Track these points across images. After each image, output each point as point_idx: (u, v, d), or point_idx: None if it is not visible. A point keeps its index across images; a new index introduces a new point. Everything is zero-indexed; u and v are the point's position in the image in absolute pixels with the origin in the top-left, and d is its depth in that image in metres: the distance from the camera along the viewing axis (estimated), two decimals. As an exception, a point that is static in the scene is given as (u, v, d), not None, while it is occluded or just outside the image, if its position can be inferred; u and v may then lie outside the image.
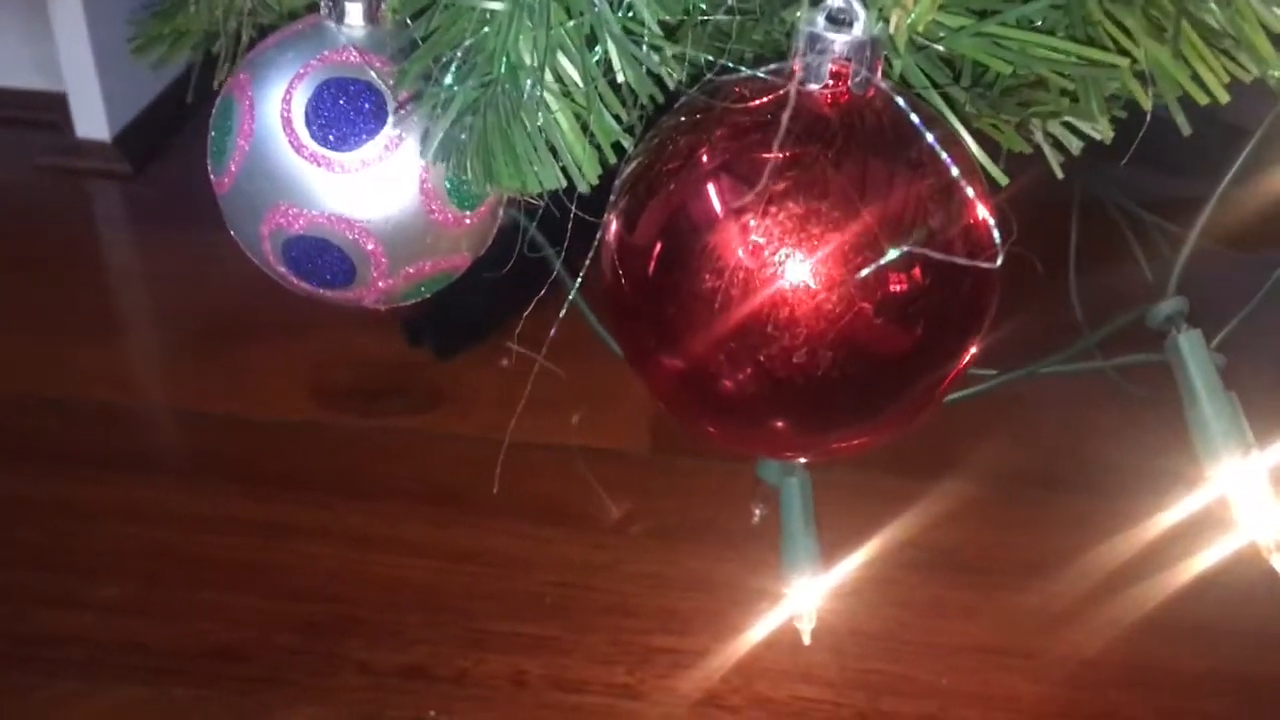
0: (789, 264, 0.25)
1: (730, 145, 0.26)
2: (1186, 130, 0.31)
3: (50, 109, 0.92)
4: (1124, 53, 0.29)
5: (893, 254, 0.25)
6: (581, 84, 0.29)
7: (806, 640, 0.50)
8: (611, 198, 0.28)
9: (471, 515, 0.65)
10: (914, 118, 0.25)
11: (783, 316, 0.26)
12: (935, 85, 0.29)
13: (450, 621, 0.60)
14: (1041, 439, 0.72)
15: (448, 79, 0.29)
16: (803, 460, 0.47)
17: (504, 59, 0.28)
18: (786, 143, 0.25)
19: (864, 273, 0.25)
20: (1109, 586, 0.60)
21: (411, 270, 0.36)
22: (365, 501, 0.66)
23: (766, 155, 0.25)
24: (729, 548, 0.62)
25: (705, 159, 0.26)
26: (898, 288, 0.26)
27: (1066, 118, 0.32)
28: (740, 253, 0.25)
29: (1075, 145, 0.41)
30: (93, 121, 0.89)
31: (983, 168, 0.30)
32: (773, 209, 0.25)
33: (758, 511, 0.52)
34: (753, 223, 0.25)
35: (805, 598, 0.49)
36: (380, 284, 0.36)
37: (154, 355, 0.79)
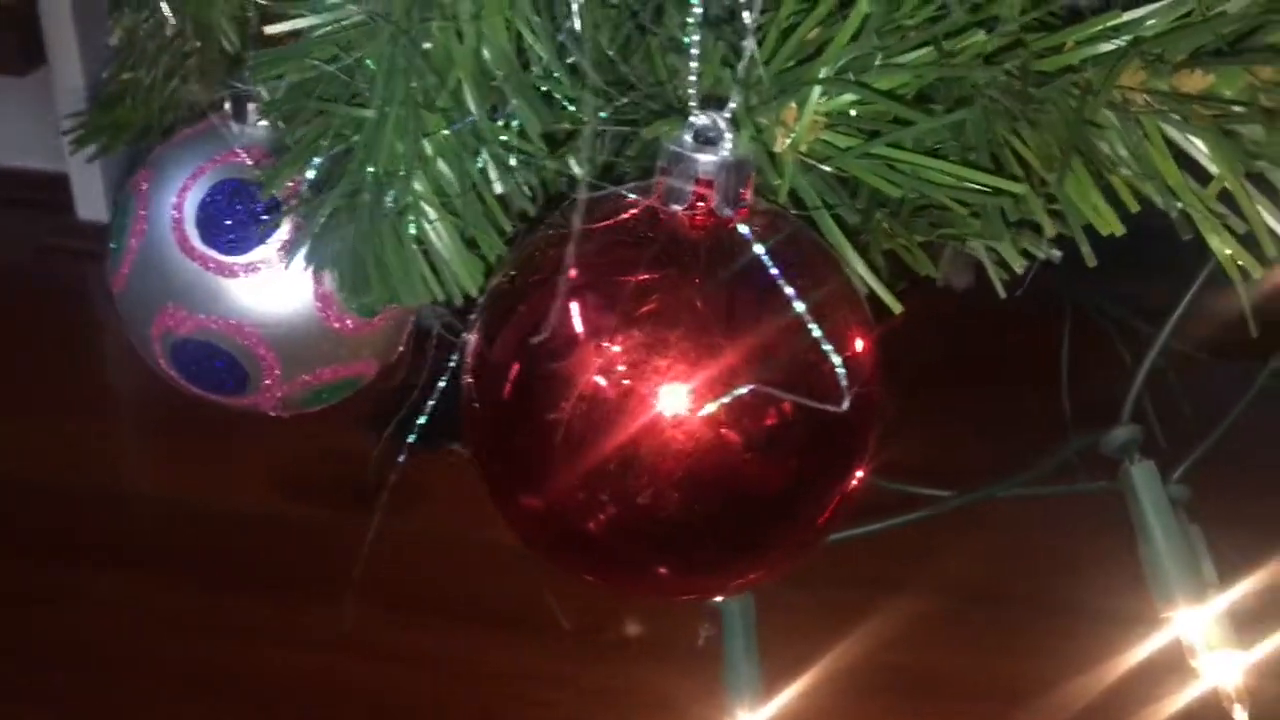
0: (644, 394, 0.24)
1: (591, 265, 0.24)
2: (1091, 261, 0.29)
3: (53, 190, 0.93)
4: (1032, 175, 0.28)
5: (739, 391, 0.23)
6: (460, 191, 0.28)
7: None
8: (473, 315, 0.27)
9: (437, 619, 0.63)
10: (758, 249, 0.23)
11: (640, 452, 0.24)
12: (827, 206, 0.27)
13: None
14: (1000, 559, 0.69)
15: (316, 185, 0.28)
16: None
17: (371, 167, 0.27)
18: (645, 266, 0.24)
19: (708, 409, 0.23)
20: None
21: (309, 378, 0.35)
22: (318, 601, 0.64)
23: (625, 278, 0.24)
24: (692, 665, 0.59)
25: (565, 278, 0.24)
26: (767, 421, 0.24)
27: (986, 240, 0.30)
28: (595, 379, 0.24)
29: (1019, 264, 0.39)
30: (93, 203, 0.90)
31: (874, 293, 0.28)
32: (629, 335, 0.24)
33: (703, 632, 0.50)
34: (608, 348, 0.24)
35: (748, 727, 0.46)
36: (276, 391, 0.35)
37: (123, 439, 0.78)
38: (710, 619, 0.55)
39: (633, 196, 0.25)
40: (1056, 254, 0.42)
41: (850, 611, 0.62)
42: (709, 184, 0.24)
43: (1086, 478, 0.45)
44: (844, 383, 0.23)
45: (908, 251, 0.31)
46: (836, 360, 0.23)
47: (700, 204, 0.24)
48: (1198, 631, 0.39)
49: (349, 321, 0.34)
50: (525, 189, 0.29)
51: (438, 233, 0.29)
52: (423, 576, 0.65)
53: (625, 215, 0.25)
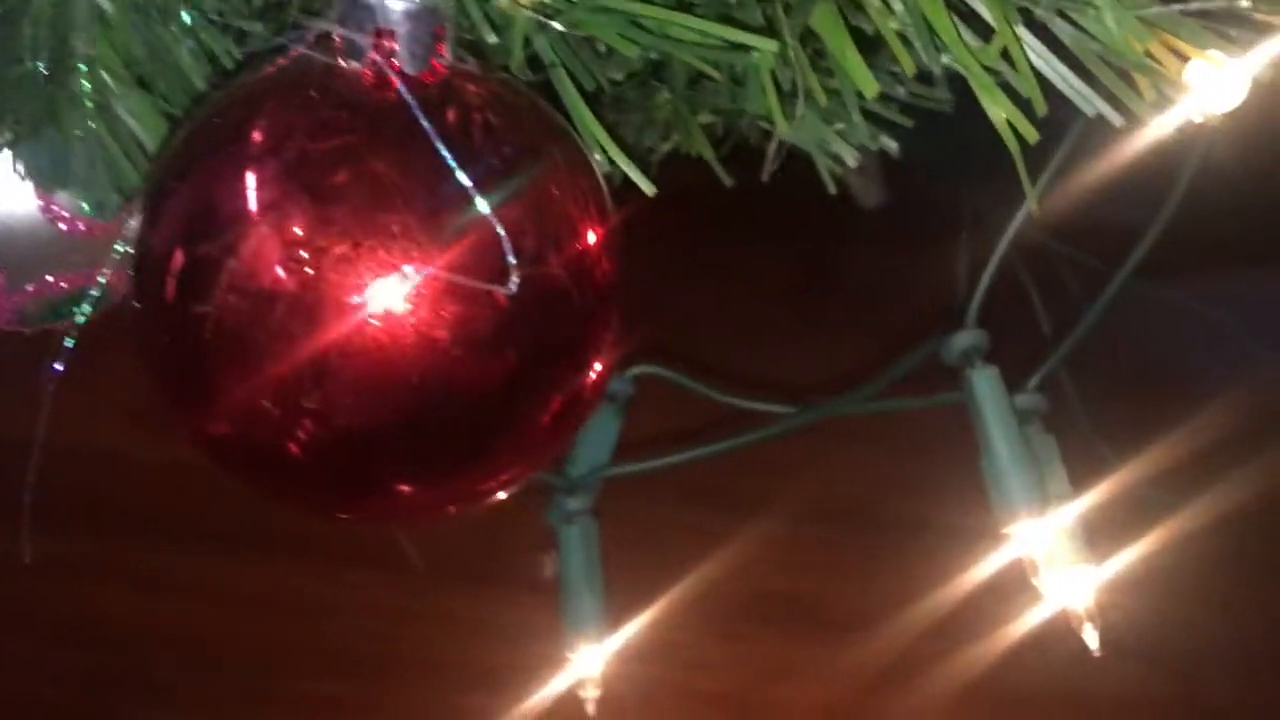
0: (328, 286, 0.20)
1: (262, 134, 0.21)
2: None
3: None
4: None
5: (413, 277, 0.20)
6: (151, 60, 0.24)
7: (590, 710, 0.44)
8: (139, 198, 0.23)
9: (286, 559, 0.60)
10: (417, 114, 0.20)
11: (329, 354, 0.21)
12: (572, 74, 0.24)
13: (240, 677, 0.54)
14: (851, 478, 0.66)
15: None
16: (578, 505, 0.42)
17: (39, 36, 0.23)
18: (320, 134, 0.20)
19: (396, 301, 0.20)
20: (930, 647, 0.55)
21: (38, 287, 0.31)
22: (168, 540, 0.61)
23: (299, 148, 0.20)
24: (544, 598, 0.56)
25: (238, 147, 0.21)
26: (472, 312, 0.21)
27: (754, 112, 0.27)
28: (269, 269, 0.20)
29: (850, 155, 0.36)
30: None
31: (625, 175, 0.25)
32: (304, 215, 0.20)
33: (549, 562, 0.47)
34: (281, 231, 0.20)
35: (589, 663, 0.44)
36: (3, 302, 0.31)
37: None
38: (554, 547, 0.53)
39: (311, 54, 0.21)
40: (892, 145, 0.39)
41: (697, 535, 0.60)
42: (391, 36, 0.21)
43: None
44: (511, 261, 0.20)
45: (687, 132, 0.27)
46: (503, 233, 0.20)
47: (382, 60, 0.21)
48: (1040, 547, 0.36)
49: (80, 223, 0.30)
50: (230, 54, 0.25)
51: (131, 110, 0.25)
52: (266, 514, 0.62)
53: (301, 75, 0.21)
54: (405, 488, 0.24)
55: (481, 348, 0.22)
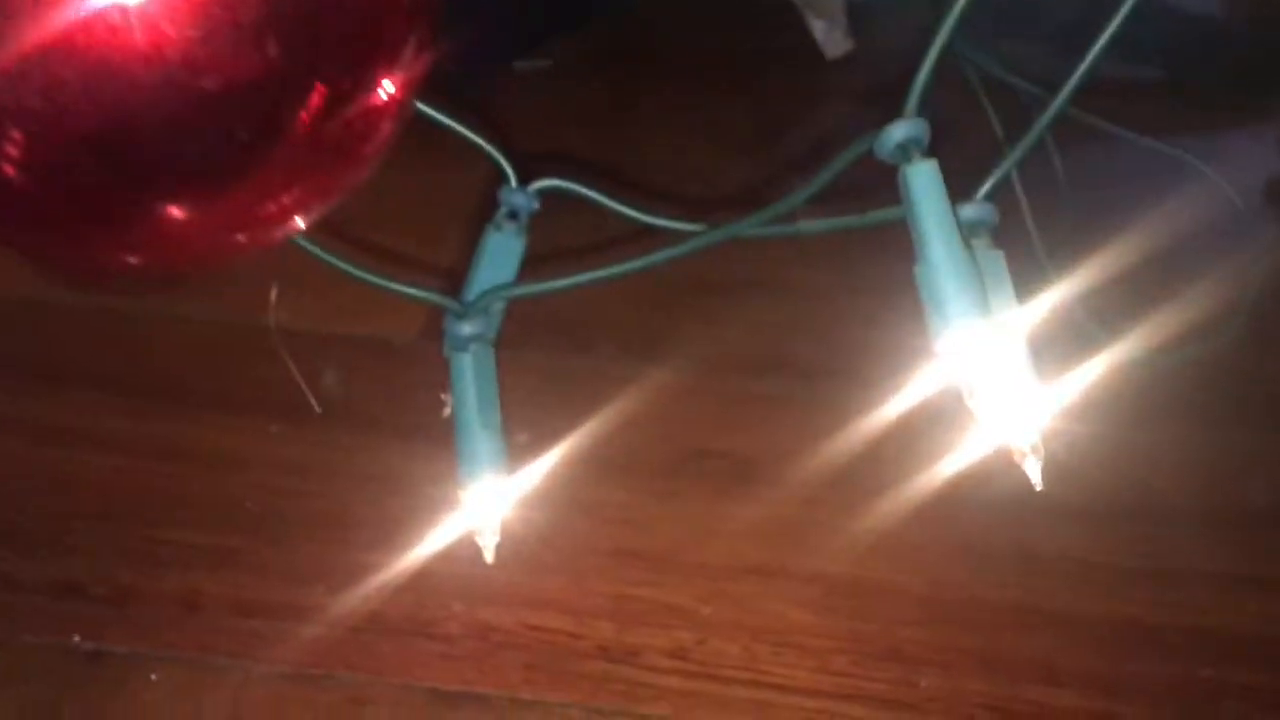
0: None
1: None
2: None
3: None
4: None
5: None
6: None
7: (489, 558, 0.40)
8: None
9: (185, 408, 0.56)
10: None
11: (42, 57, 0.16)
12: None
13: (126, 531, 0.50)
14: (775, 319, 0.62)
15: None
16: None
17: None
18: None
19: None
20: (866, 491, 0.51)
21: None
22: (59, 389, 0.56)
23: None
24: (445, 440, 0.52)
25: None
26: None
27: None
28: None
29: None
30: None
31: None
32: None
33: (447, 400, 0.43)
34: None
35: (486, 505, 0.39)
36: None
37: None
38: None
39: None
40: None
41: (611, 381, 0.56)
42: None
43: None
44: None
45: None
46: None
47: None
48: (977, 365, 0.32)
49: None
50: None
51: None
52: (183, 365, 0.57)
53: None
54: (171, 209, 0.19)
55: (234, 34, 0.17)
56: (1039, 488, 0.32)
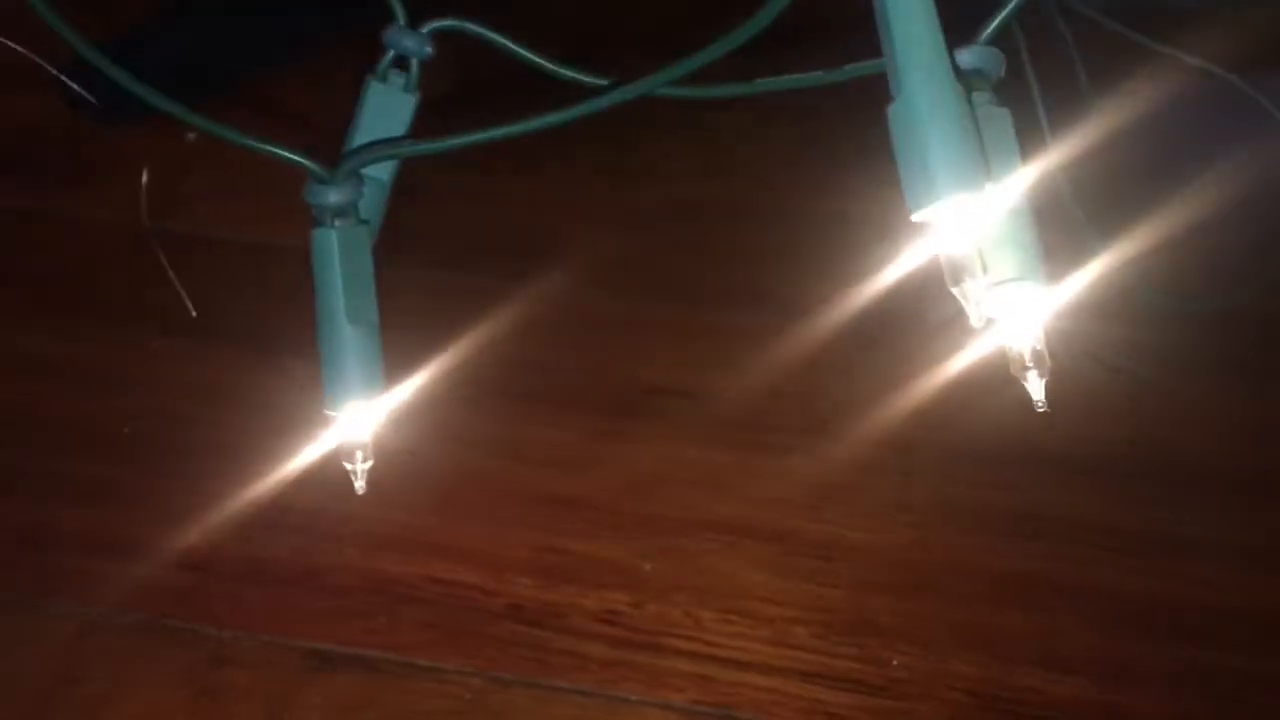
0: None
1: None
2: None
3: None
4: None
5: None
6: None
7: (359, 488, 0.32)
8: None
9: (68, 316, 0.48)
10: None
11: None
12: None
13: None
14: (733, 240, 0.54)
15: None
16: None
17: None
18: None
19: None
20: (839, 434, 0.44)
21: None
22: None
23: None
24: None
25: None
26: None
27: None
28: None
29: None
30: None
31: None
32: None
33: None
34: None
35: (356, 422, 0.32)
36: None
37: None
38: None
39: None
40: None
41: (529, 300, 0.48)
42: None
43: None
44: None
45: None
46: None
47: None
48: (965, 241, 0.24)
49: None
50: None
51: None
52: (65, 270, 0.50)
53: None
54: None
55: None
56: (1041, 407, 0.24)
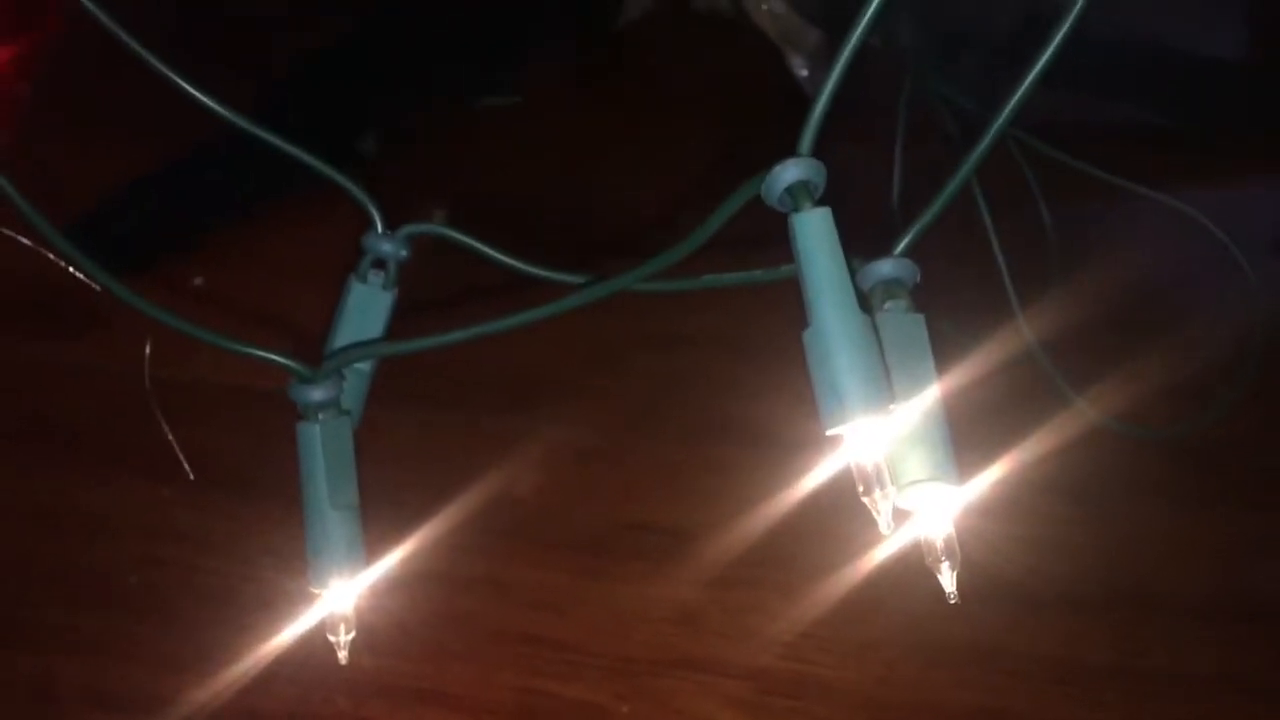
0: None
1: None
2: None
3: None
4: None
5: None
6: None
7: (342, 659, 0.35)
8: None
9: (74, 464, 0.51)
10: None
11: None
12: None
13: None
14: (713, 376, 0.57)
15: None
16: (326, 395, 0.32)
17: None
18: None
19: None
20: (811, 572, 0.46)
21: None
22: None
23: None
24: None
25: None
26: None
27: None
28: None
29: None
30: None
31: None
32: None
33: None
34: None
35: (341, 598, 0.34)
36: None
37: None
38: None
39: None
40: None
41: (492, 442, 0.51)
42: None
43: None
44: None
45: None
46: None
47: None
48: (875, 455, 0.26)
49: None
50: None
51: None
52: (76, 418, 0.53)
53: None
54: None
55: None
56: (953, 599, 0.26)
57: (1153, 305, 0.61)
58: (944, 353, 0.56)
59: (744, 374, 0.56)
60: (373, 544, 0.42)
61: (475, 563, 0.47)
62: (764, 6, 0.76)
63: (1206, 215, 0.60)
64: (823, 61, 0.78)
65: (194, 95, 0.30)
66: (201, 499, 0.49)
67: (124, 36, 0.29)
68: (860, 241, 0.29)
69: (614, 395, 0.56)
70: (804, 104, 0.27)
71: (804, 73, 0.78)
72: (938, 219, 0.29)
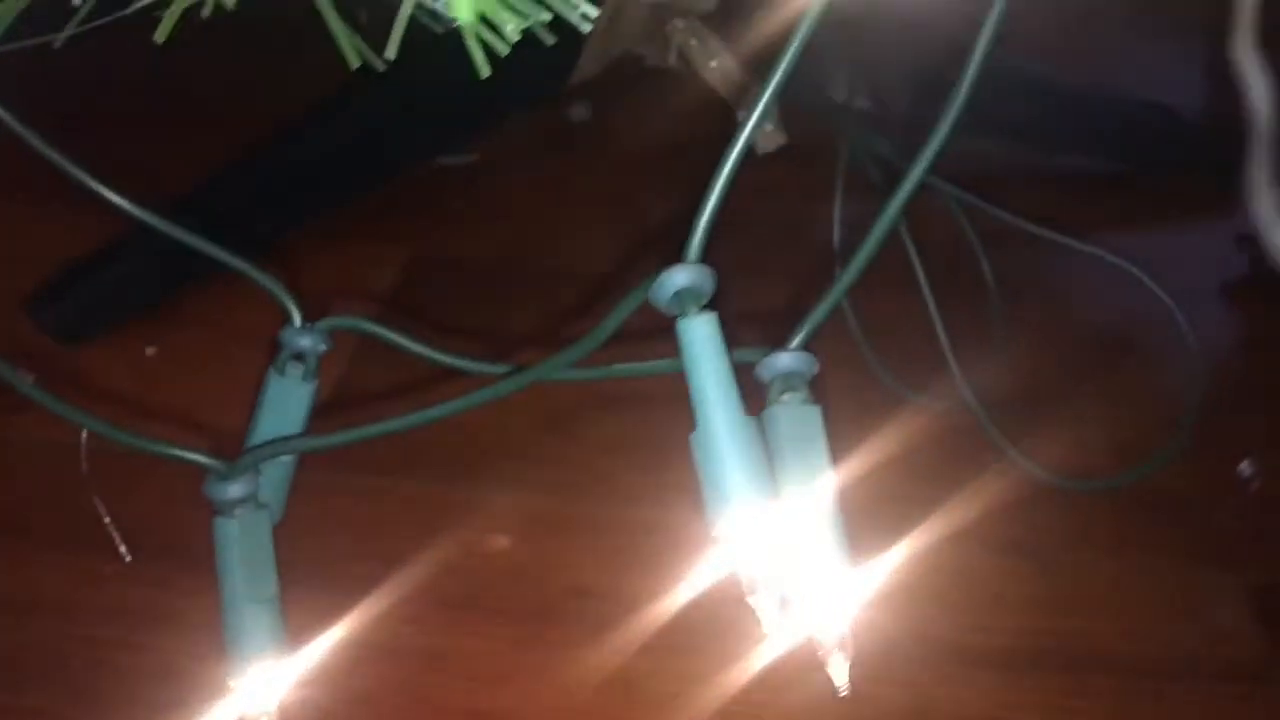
0: None
1: None
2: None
3: None
4: None
5: None
6: None
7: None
8: None
9: (17, 542, 0.52)
10: None
11: None
12: None
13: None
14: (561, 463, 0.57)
15: None
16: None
17: None
18: None
19: None
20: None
21: None
22: None
23: None
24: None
25: None
26: None
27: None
28: None
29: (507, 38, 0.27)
30: None
31: None
32: None
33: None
34: None
35: (260, 690, 0.35)
36: None
37: None
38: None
39: None
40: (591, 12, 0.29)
41: (419, 508, 0.51)
42: None
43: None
44: None
45: None
46: None
47: None
48: (760, 553, 0.27)
49: None
50: None
51: None
52: (22, 492, 0.53)
53: None
54: None
55: None
56: (843, 692, 0.27)
57: (1092, 359, 0.62)
58: (885, 411, 0.57)
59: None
60: (318, 616, 0.43)
61: (417, 635, 0.47)
62: (713, 64, 0.77)
63: (1148, 265, 0.61)
64: (773, 117, 0.79)
65: (97, 190, 0.31)
66: (143, 574, 0.49)
67: (32, 139, 0.30)
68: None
69: (562, 459, 0.56)
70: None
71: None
72: (831, 311, 0.30)
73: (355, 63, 0.26)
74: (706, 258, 0.28)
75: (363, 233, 0.70)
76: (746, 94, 0.77)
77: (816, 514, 0.28)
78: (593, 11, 0.27)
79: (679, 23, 0.80)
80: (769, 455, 0.28)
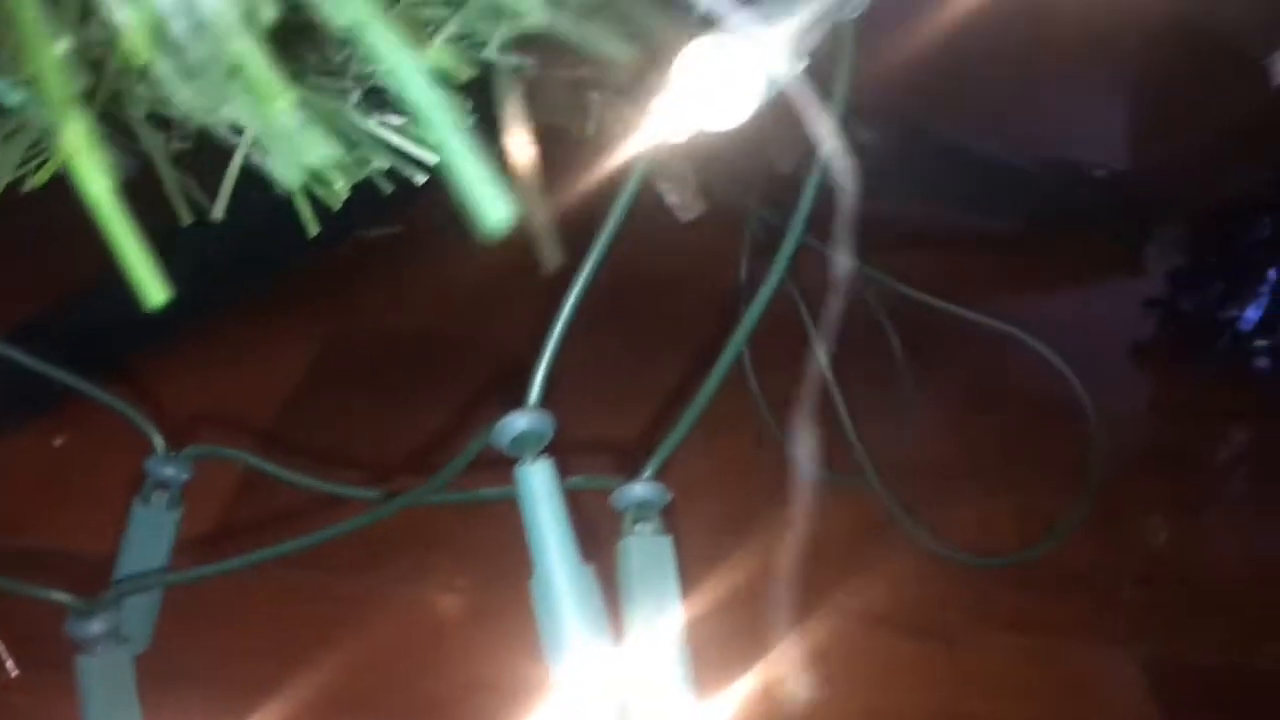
0: None
1: None
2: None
3: None
4: None
5: None
6: None
7: None
8: None
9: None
10: None
11: None
12: None
13: None
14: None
15: None
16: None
17: None
18: None
19: None
20: None
21: None
22: None
23: None
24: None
25: None
26: None
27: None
28: None
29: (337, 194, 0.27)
30: None
31: None
32: None
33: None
34: None
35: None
36: None
37: None
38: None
39: None
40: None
41: (325, 601, 0.51)
42: None
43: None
44: None
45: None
46: None
47: None
48: (598, 700, 0.27)
49: None
50: None
51: None
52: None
53: None
54: None
55: None
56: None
57: (999, 431, 0.62)
58: (792, 488, 0.57)
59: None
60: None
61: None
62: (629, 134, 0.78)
63: (1056, 333, 0.61)
64: (690, 187, 0.80)
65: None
66: (38, 681, 0.48)
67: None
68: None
69: (471, 544, 0.56)
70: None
71: (673, 198, 0.80)
72: (682, 440, 0.30)
73: (187, 219, 0.26)
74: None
75: (253, 337, 0.69)
76: (663, 164, 0.78)
77: (661, 649, 0.28)
78: (433, 160, 0.28)
79: (597, 95, 0.80)
80: (622, 586, 0.29)
